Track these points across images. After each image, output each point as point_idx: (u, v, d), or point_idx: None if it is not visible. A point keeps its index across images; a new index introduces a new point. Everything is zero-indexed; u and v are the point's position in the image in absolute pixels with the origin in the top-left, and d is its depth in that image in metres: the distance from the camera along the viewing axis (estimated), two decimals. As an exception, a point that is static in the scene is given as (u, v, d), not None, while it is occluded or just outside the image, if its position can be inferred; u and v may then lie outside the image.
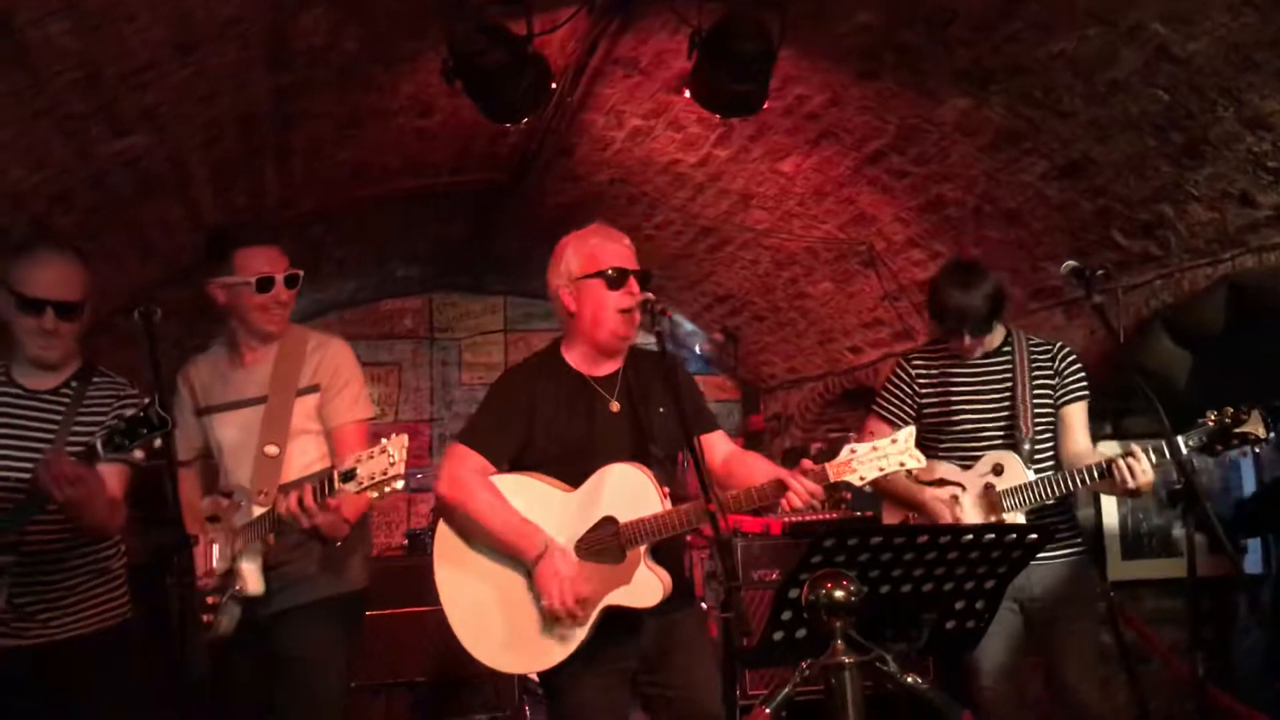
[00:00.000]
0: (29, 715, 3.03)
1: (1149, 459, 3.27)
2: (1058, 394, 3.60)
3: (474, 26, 3.72)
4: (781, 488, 2.80)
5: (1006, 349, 3.65)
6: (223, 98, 3.92)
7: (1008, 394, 3.58)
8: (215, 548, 3.14)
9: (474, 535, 2.94)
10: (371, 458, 2.64)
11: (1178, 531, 4.89)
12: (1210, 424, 3.30)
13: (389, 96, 4.56)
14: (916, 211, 5.17)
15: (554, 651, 2.85)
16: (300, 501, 2.81)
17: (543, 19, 3.86)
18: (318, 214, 5.87)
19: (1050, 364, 3.62)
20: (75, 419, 3.03)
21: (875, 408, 3.81)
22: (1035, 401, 3.56)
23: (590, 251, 3.02)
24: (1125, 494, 3.39)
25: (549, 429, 2.96)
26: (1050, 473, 3.49)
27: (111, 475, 2.97)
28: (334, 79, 4.19)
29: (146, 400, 2.69)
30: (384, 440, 2.66)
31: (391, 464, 2.61)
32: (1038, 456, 3.54)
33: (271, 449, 3.08)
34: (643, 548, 2.83)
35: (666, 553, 2.95)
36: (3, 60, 3.01)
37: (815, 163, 5.16)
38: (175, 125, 3.93)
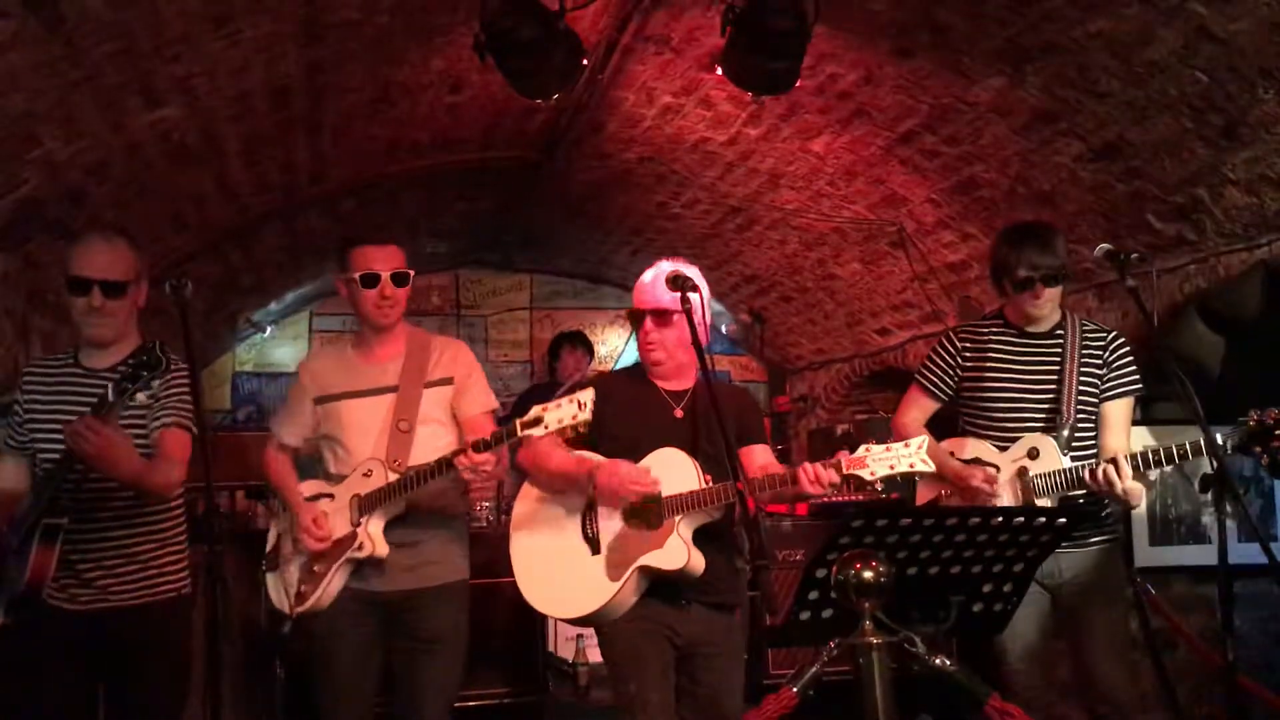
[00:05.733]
0: (76, 680, 3.13)
1: (1128, 466, 3.24)
2: (1103, 385, 3.53)
3: (506, 1, 3.71)
4: (794, 476, 3.05)
5: (1059, 332, 3.57)
6: (255, 70, 3.93)
7: (1054, 377, 3.51)
8: (329, 516, 3.37)
9: (542, 486, 3.37)
10: (560, 406, 2.94)
11: (1207, 518, 4.85)
12: (1251, 424, 3.13)
13: (420, 71, 4.57)
14: (948, 193, 5.13)
15: (589, 601, 3.19)
16: (477, 445, 3.09)
17: (575, -6, 3.85)
18: (348, 189, 5.89)
19: (1101, 353, 3.54)
20: None
21: (917, 376, 3.78)
22: (1081, 388, 3.49)
23: (635, 291, 3.40)
24: (1114, 501, 3.39)
25: (618, 422, 3.32)
26: (1085, 462, 3.42)
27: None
28: (366, 53, 4.19)
29: (151, 345, 2.88)
30: (578, 394, 2.96)
31: (580, 410, 2.91)
32: (1076, 443, 3.47)
33: (404, 424, 3.40)
34: (678, 518, 3.13)
35: (715, 553, 3.22)
36: (40, 31, 3.03)
37: (846, 142, 5.13)
38: (208, 97, 3.95)
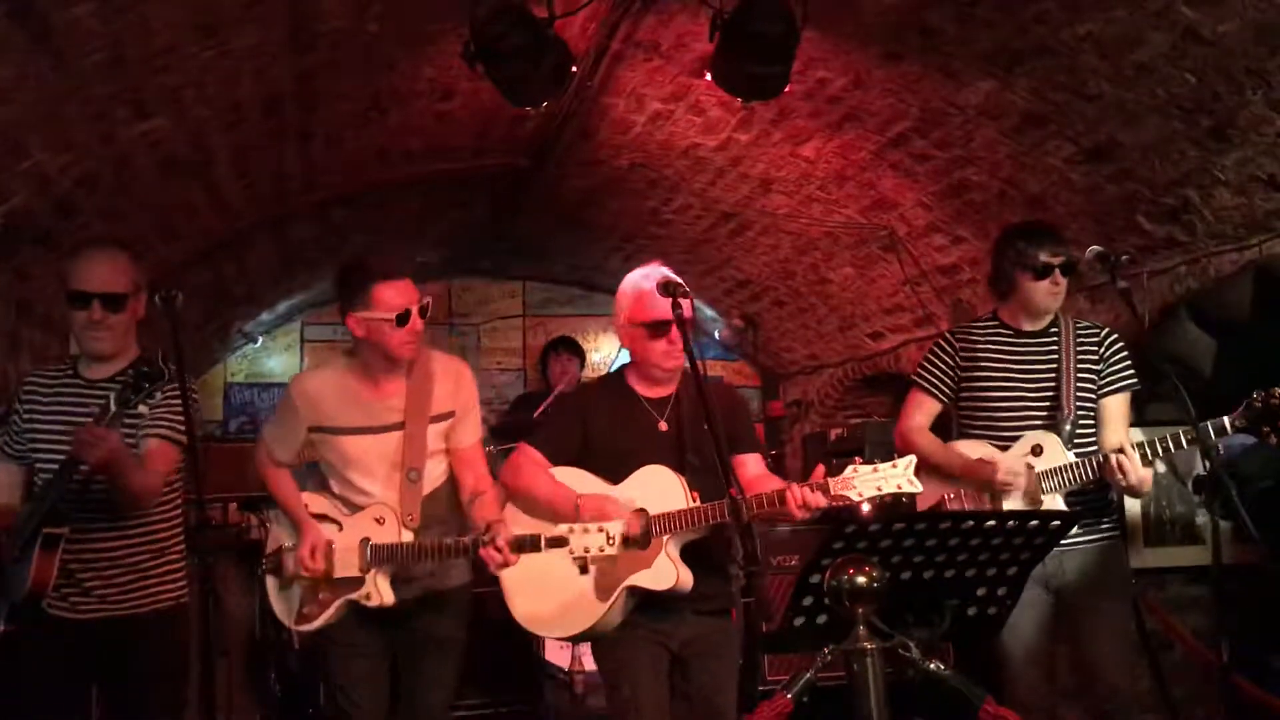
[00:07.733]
0: (73, 687, 3.17)
1: (1138, 455, 3.28)
2: (1100, 381, 3.55)
3: (495, 9, 3.70)
4: (783, 497, 3.03)
5: (1054, 330, 3.61)
6: (245, 80, 3.92)
7: (1052, 375, 3.54)
8: (335, 549, 3.29)
9: (526, 510, 3.34)
10: (588, 533, 3.08)
11: (1201, 519, 4.85)
12: (1257, 404, 3.18)
13: (410, 79, 4.56)
14: (939, 196, 5.13)
15: (578, 621, 3.21)
16: (500, 547, 3.09)
17: (564, 1, 3.84)
18: (339, 197, 5.88)
19: (1096, 349, 3.57)
20: None
21: (915, 378, 3.79)
22: (1079, 383, 3.51)
23: (639, 301, 3.31)
24: (1126, 491, 3.41)
25: (602, 437, 3.34)
26: (1090, 456, 3.44)
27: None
28: (356, 61, 4.19)
29: (151, 356, 2.95)
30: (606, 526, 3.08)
31: (608, 545, 3.05)
32: (1078, 439, 3.48)
33: (414, 474, 3.30)
34: (666, 538, 3.13)
35: (707, 563, 3.22)
36: (29, 42, 3.02)
37: (837, 146, 5.13)
38: (198, 108, 3.94)
